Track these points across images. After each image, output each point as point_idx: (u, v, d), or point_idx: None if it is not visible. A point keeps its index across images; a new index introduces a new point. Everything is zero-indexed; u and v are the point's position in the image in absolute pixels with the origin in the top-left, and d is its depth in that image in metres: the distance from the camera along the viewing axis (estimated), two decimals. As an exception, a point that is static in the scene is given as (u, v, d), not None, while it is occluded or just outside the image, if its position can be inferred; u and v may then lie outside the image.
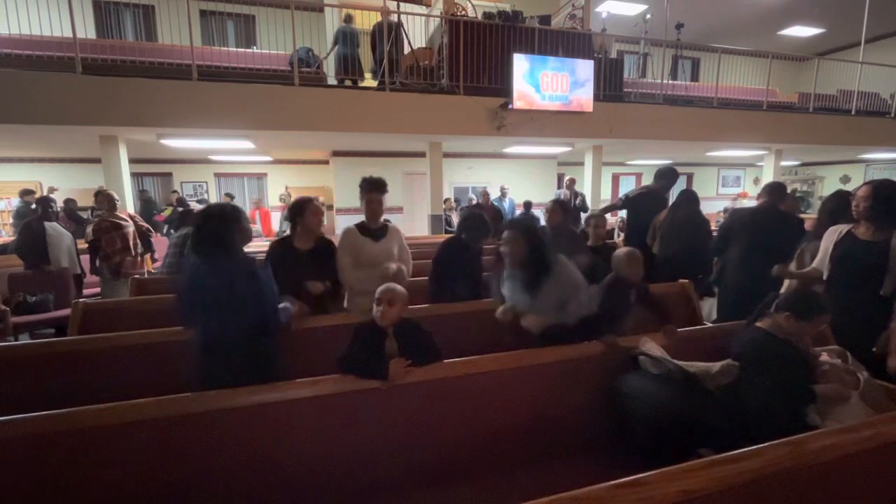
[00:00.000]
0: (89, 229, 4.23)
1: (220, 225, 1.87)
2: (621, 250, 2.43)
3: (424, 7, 6.73)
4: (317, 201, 2.72)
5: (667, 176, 4.16)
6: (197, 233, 1.90)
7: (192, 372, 1.82)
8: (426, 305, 2.81)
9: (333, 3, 8.27)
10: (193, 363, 1.83)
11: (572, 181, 6.60)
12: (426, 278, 3.14)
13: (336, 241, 2.76)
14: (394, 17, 6.19)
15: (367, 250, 2.69)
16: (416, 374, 1.82)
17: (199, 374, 1.82)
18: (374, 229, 2.75)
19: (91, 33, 7.96)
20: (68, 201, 6.99)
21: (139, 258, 4.38)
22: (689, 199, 3.79)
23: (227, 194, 8.71)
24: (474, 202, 7.91)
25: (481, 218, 3.05)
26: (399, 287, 1.92)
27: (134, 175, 7.96)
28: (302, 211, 2.61)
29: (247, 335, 1.83)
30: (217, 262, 1.83)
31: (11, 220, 7.51)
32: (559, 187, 9.71)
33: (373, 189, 2.68)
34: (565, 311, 2.13)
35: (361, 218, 2.78)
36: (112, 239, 4.16)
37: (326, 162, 10.35)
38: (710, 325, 2.90)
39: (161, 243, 5.44)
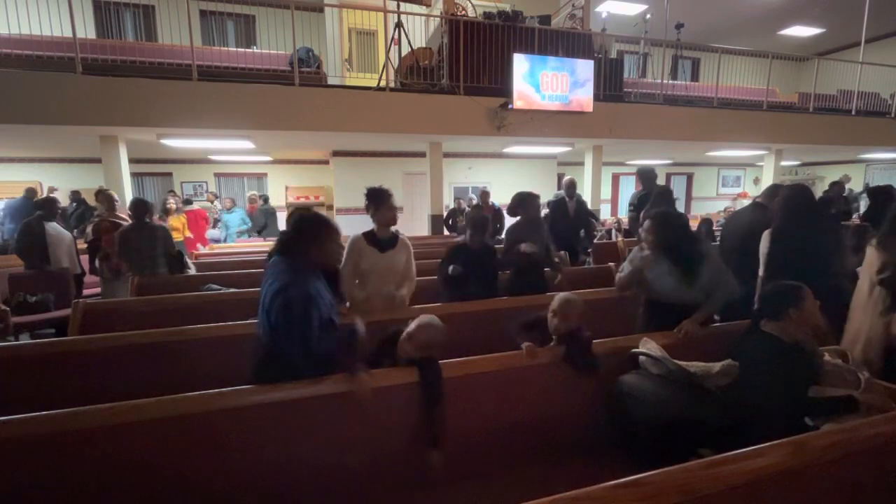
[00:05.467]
0: (89, 229, 4.23)
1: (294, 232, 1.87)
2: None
3: (424, 7, 6.73)
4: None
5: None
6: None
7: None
8: (431, 305, 2.81)
9: (333, 3, 8.27)
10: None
11: (573, 183, 6.57)
12: (426, 278, 3.14)
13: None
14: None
15: (371, 261, 2.59)
16: (415, 375, 1.81)
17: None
18: (382, 239, 2.63)
19: (91, 33, 7.95)
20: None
21: (139, 258, 4.37)
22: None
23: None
24: (474, 202, 7.90)
25: (482, 219, 3.07)
26: (432, 327, 1.86)
27: (134, 175, 7.94)
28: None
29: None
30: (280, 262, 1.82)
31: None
32: (559, 188, 9.69)
33: (390, 197, 2.61)
34: (713, 298, 2.30)
35: (361, 218, 2.74)
36: (112, 239, 4.15)
37: (326, 162, 10.35)
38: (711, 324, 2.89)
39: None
